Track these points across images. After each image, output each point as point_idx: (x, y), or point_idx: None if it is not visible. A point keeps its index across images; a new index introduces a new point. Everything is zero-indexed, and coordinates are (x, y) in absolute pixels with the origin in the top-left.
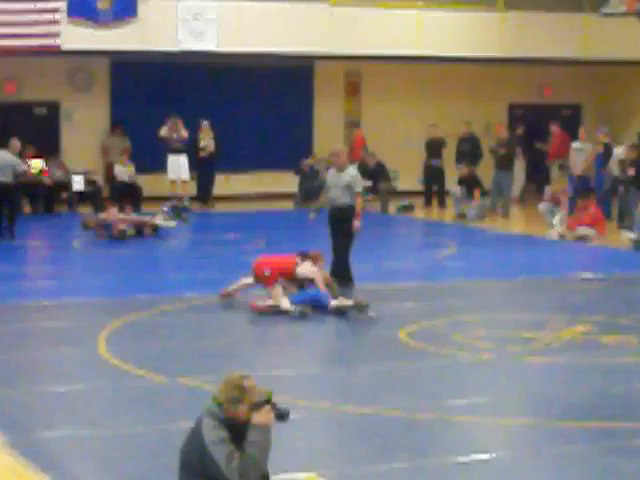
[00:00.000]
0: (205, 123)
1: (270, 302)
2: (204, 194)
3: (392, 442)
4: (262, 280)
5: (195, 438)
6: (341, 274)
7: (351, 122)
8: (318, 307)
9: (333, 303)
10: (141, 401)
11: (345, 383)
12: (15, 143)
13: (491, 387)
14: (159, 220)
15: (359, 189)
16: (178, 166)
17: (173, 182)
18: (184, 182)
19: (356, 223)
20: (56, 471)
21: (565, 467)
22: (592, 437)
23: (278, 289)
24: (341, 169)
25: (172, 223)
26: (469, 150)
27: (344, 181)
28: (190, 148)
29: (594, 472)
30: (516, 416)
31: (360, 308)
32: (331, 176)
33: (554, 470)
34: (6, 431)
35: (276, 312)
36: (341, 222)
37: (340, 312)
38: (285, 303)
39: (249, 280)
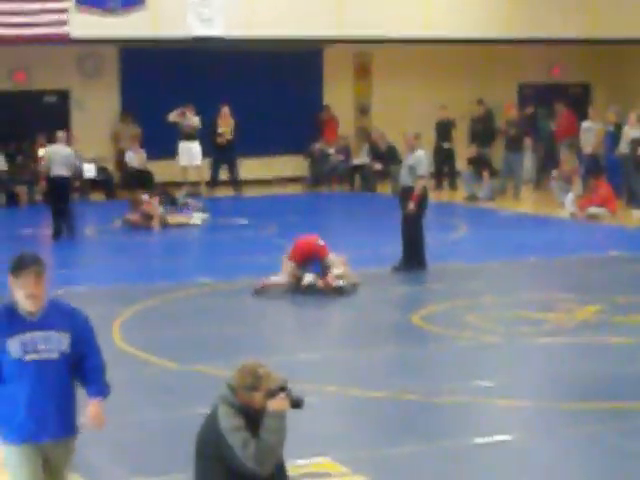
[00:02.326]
0: (225, 109)
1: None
2: (233, 180)
3: (407, 425)
4: (318, 253)
5: (211, 425)
6: (410, 257)
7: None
8: None
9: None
10: (156, 388)
11: (358, 367)
12: (63, 135)
13: (504, 369)
14: (194, 220)
15: (421, 172)
16: (190, 152)
17: (184, 168)
18: (196, 167)
19: (410, 205)
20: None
21: (578, 448)
22: (605, 417)
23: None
24: (410, 151)
25: (199, 220)
26: (482, 130)
27: (409, 163)
28: (205, 133)
29: (606, 452)
30: (528, 398)
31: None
32: (405, 158)
33: (568, 451)
34: None
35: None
36: (403, 203)
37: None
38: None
39: (281, 279)
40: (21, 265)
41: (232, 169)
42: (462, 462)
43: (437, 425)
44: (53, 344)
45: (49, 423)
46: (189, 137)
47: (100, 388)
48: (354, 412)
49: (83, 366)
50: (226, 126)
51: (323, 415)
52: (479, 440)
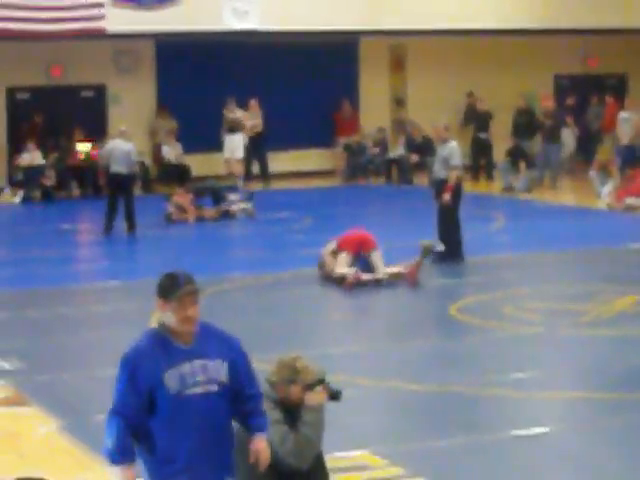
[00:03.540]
0: (253, 102)
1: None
2: (262, 174)
3: (446, 418)
4: (370, 243)
5: None
6: (447, 249)
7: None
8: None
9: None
10: None
11: (397, 360)
12: (126, 130)
13: (543, 361)
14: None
15: (454, 163)
16: (232, 145)
17: (227, 160)
18: (237, 160)
19: (445, 197)
20: None
21: (617, 439)
22: None
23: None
24: (441, 143)
25: (244, 212)
26: (526, 123)
27: (442, 155)
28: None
29: None
30: (568, 389)
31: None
32: (438, 150)
33: (606, 442)
34: (61, 415)
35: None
36: (438, 195)
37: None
38: None
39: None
40: (175, 286)
41: (262, 162)
42: (500, 455)
43: (475, 418)
44: (212, 374)
45: (208, 467)
46: (232, 130)
47: (262, 421)
48: (392, 405)
49: (241, 398)
50: (255, 119)
51: (361, 408)
52: (517, 432)
